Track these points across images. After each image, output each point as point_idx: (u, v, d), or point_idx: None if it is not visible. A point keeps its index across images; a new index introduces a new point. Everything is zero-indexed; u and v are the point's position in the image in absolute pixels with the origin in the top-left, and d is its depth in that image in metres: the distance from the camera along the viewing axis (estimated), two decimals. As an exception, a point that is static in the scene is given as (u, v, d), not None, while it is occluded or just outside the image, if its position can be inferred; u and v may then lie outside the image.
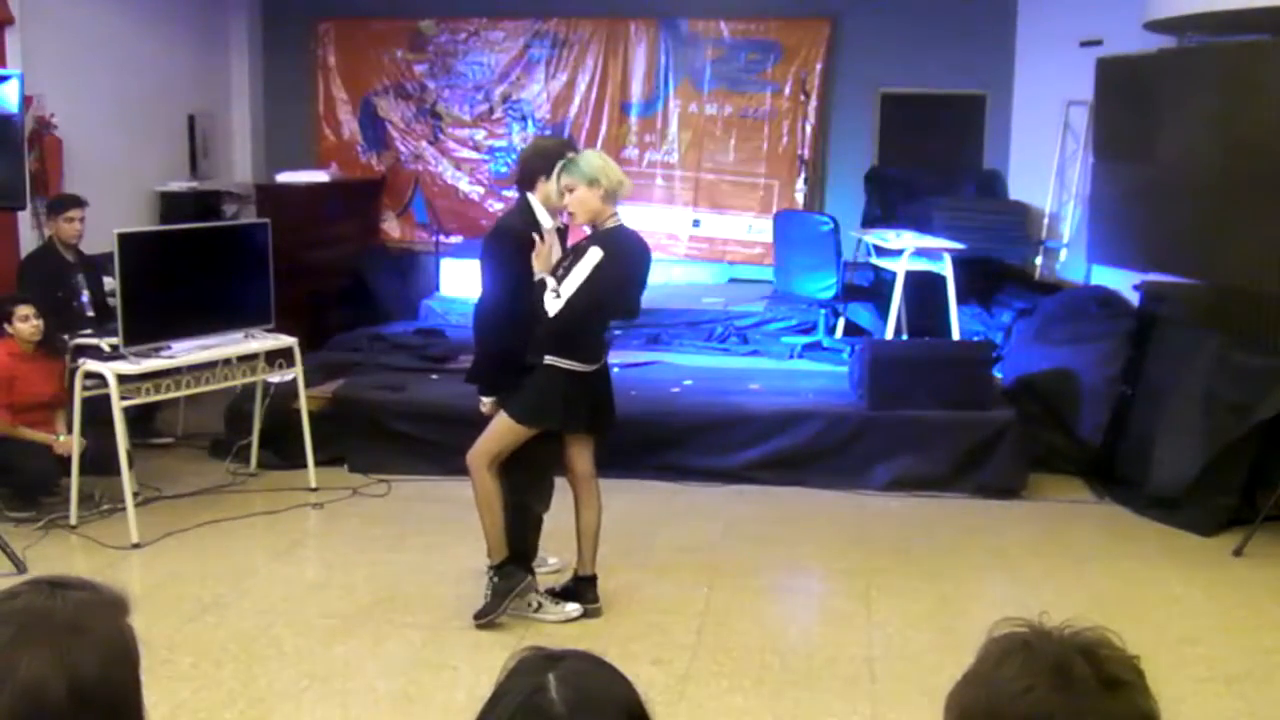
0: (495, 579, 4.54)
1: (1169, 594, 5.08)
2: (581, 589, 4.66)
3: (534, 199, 4.62)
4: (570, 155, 4.45)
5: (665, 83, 9.61)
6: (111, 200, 7.51)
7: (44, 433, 5.68)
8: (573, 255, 4.38)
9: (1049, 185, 8.64)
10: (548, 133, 9.51)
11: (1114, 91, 7.12)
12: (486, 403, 4.67)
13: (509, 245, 4.50)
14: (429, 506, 5.98)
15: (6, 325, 5.58)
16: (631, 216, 9.41)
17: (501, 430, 4.48)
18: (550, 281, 4.30)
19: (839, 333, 8.14)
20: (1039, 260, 8.63)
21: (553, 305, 4.27)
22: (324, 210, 9.30)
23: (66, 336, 5.94)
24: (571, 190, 4.32)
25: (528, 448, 4.52)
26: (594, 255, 4.29)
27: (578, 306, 4.27)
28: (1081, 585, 5.09)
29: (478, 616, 4.50)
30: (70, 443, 5.52)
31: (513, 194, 9.55)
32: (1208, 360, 5.94)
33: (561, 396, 4.42)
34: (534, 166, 4.62)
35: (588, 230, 4.44)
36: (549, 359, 4.38)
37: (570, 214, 4.44)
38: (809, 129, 9.45)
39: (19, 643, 1.25)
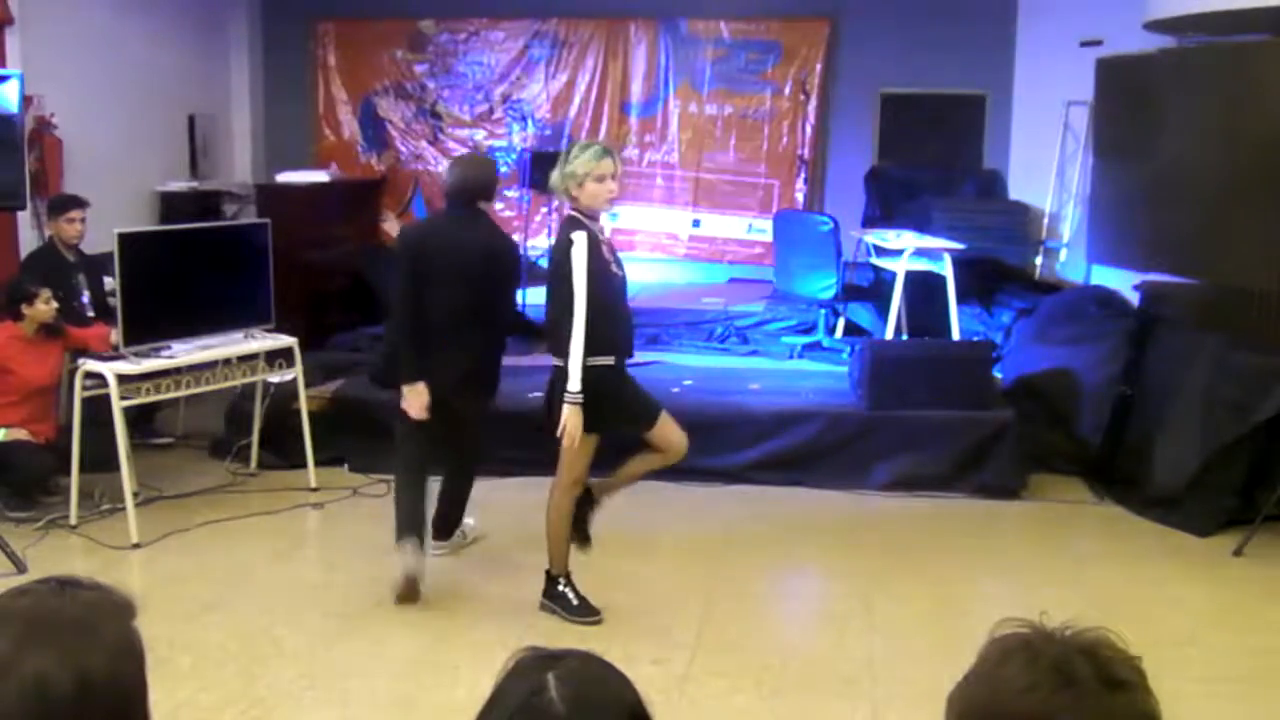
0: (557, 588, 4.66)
1: (1169, 594, 5.08)
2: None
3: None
4: (596, 144, 4.54)
5: (665, 83, 9.61)
6: (111, 200, 7.50)
7: (39, 425, 5.68)
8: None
9: (1049, 185, 8.64)
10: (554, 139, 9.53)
11: (1114, 91, 7.12)
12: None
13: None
14: (429, 507, 5.97)
15: (25, 307, 5.59)
16: (632, 216, 9.52)
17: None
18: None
19: (839, 333, 8.13)
20: (1039, 260, 8.63)
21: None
22: (324, 210, 9.30)
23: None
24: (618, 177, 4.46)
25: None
26: None
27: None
28: (1081, 585, 5.09)
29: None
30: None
31: (513, 193, 9.69)
32: (1208, 360, 5.94)
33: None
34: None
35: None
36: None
37: (613, 200, 4.52)
38: (809, 129, 9.45)
39: (27, 640, 1.25)
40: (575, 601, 4.60)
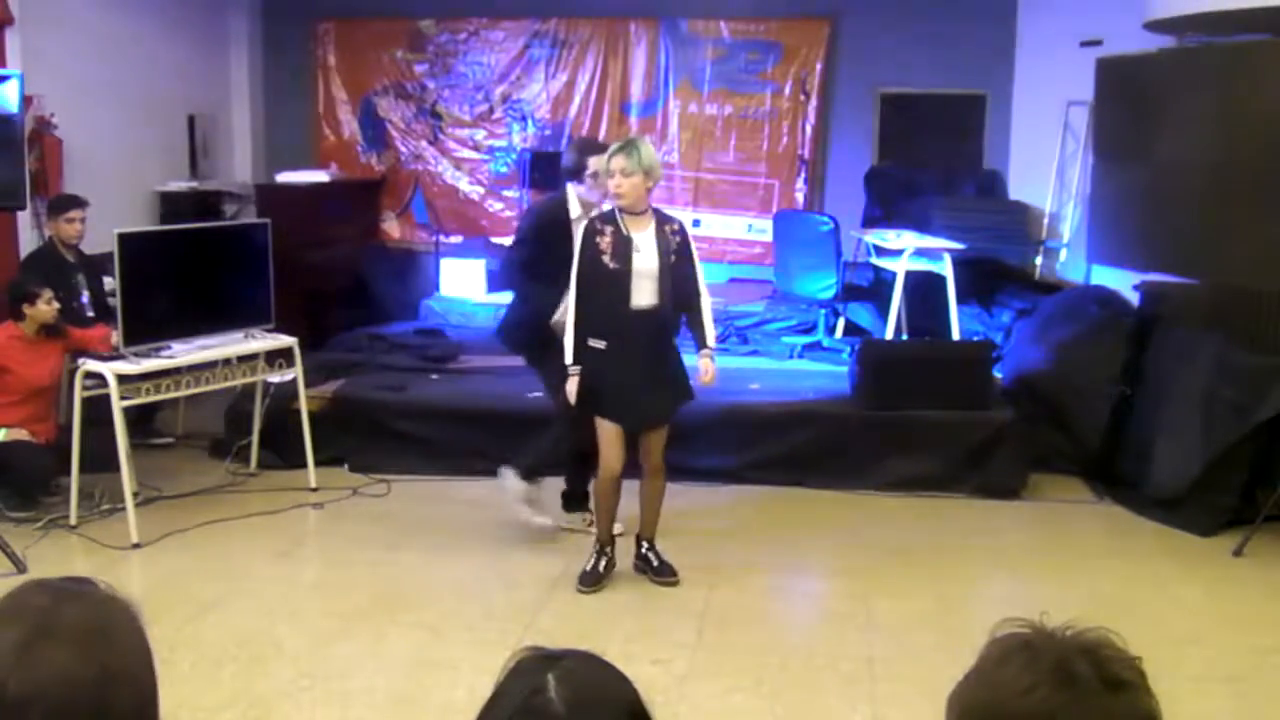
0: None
1: (1169, 594, 5.08)
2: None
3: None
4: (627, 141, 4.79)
5: (665, 83, 9.60)
6: (111, 200, 7.50)
7: (40, 425, 5.68)
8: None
9: (1049, 185, 8.64)
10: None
11: (1114, 91, 7.11)
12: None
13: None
14: (429, 506, 5.98)
15: (27, 307, 5.59)
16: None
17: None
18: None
19: (839, 333, 8.13)
20: (1039, 260, 8.62)
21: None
22: (324, 210, 9.29)
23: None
24: (629, 175, 4.64)
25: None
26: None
27: None
28: (1081, 585, 5.09)
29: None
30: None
31: (513, 193, 9.73)
32: (1208, 360, 5.94)
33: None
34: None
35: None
36: None
37: (619, 195, 4.71)
38: (809, 129, 9.44)
39: (40, 639, 1.25)
40: (587, 567, 4.88)
